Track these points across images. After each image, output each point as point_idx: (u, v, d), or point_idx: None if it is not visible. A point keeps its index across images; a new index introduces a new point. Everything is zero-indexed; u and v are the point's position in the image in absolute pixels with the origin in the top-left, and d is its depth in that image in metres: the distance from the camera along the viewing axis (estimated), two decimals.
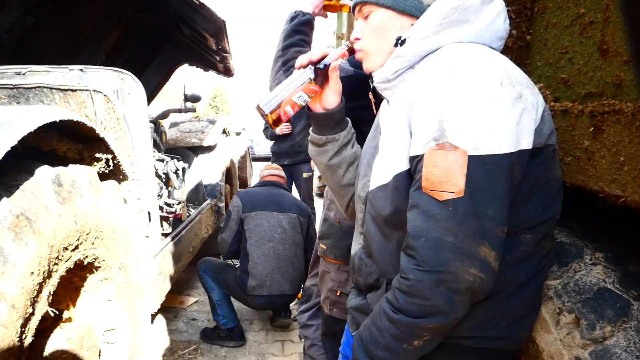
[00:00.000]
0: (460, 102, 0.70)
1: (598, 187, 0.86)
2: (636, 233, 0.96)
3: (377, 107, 1.07)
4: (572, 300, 0.85)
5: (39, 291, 1.13)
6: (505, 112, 0.70)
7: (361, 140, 1.52)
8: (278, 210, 2.77)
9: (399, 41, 0.84)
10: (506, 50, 1.14)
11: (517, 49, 1.13)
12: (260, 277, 2.64)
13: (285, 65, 1.38)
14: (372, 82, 0.96)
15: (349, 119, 1.10)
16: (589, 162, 0.88)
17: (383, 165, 0.88)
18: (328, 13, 1.50)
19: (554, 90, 1.02)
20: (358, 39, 0.93)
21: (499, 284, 0.75)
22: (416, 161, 0.75)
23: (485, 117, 0.69)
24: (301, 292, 2.34)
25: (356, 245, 1.02)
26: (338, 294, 1.58)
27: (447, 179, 0.69)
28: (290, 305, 3.22)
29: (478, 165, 0.69)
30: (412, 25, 0.86)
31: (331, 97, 1.01)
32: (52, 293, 1.21)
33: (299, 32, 1.42)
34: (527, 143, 0.72)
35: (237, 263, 2.82)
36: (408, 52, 0.83)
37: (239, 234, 2.71)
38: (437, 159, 0.70)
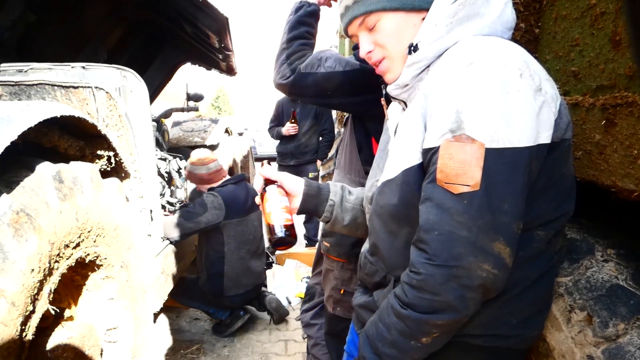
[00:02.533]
0: (479, 94, 0.69)
1: (610, 181, 0.84)
2: None
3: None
4: (584, 297, 0.83)
5: (40, 289, 1.12)
6: (525, 105, 0.68)
7: (364, 135, 1.51)
8: (251, 210, 2.82)
9: (412, 48, 0.82)
10: None
11: (525, 42, 1.11)
12: (237, 276, 2.73)
13: (289, 59, 1.35)
14: (385, 87, 0.94)
15: (328, 184, 1.12)
16: (601, 156, 0.86)
17: (392, 162, 0.86)
18: (332, 2, 1.47)
19: (564, 83, 1.00)
20: (371, 51, 0.89)
21: (510, 282, 0.73)
22: (431, 153, 0.73)
23: (503, 110, 0.67)
24: (304, 291, 2.33)
25: (366, 244, 1.01)
26: (342, 292, 1.56)
27: (462, 172, 0.68)
28: (293, 303, 3.22)
29: (495, 159, 0.67)
30: (423, 19, 0.84)
31: (292, 185, 1.06)
32: (53, 291, 1.20)
33: (304, 23, 1.38)
34: (546, 137, 0.71)
35: (200, 270, 2.82)
36: (424, 56, 0.81)
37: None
38: (453, 150, 0.68)
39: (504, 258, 0.68)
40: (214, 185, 2.79)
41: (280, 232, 0.97)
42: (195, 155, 2.75)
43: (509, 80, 0.69)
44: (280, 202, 1.01)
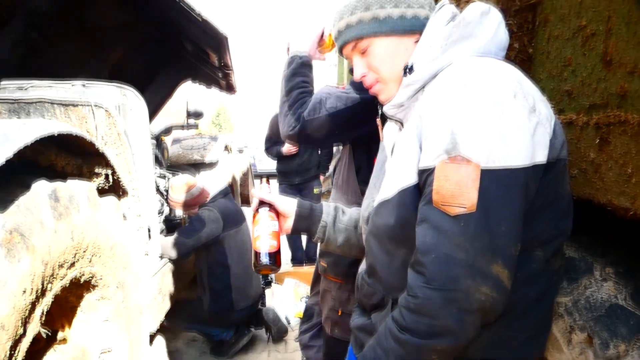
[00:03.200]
0: (474, 114, 0.69)
1: (606, 199, 0.83)
2: None
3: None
4: (584, 317, 0.82)
5: (32, 311, 1.10)
6: (520, 125, 0.68)
7: (366, 155, 1.52)
8: (243, 220, 2.86)
9: (407, 69, 0.83)
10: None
11: (519, 62, 1.12)
12: (243, 288, 2.74)
13: (291, 109, 1.39)
14: (380, 107, 0.94)
15: (322, 205, 1.13)
16: (596, 174, 0.86)
17: (388, 182, 0.86)
18: (325, 56, 1.51)
19: (558, 102, 1.01)
20: (364, 75, 0.90)
21: (510, 303, 0.71)
22: (426, 174, 0.72)
23: (498, 130, 0.67)
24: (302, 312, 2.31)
25: (363, 265, 1.00)
26: (339, 313, 1.54)
27: (459, 193, 0.67)
28: (292, 323, 3.17)
29: (491, 179, 0.67)
30: (416, 42, 0.85)
31: (285, 207, 1.07)
32: (45, 312, 1.18)
33: (299, 74, 1.43)
34: (541, 157, 0.70)
35: (202, 292, 2.78)
36: (420, 77, 0.82)
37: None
38: (449, 172, 0.68)
39: (503, 281, 0.67)
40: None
41: (265, 259, 0.98)
42: (175, 184, 2.73)
43: (503, 101, 0.69)
44: (268, 227, 1.02)
